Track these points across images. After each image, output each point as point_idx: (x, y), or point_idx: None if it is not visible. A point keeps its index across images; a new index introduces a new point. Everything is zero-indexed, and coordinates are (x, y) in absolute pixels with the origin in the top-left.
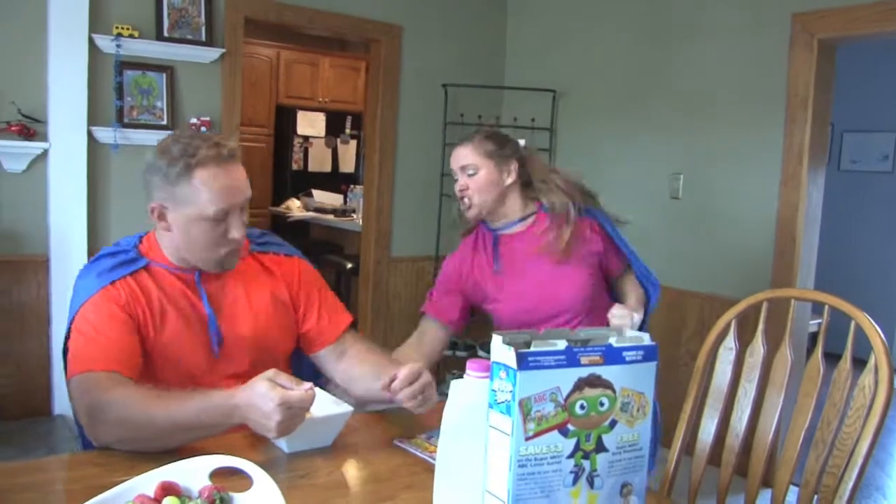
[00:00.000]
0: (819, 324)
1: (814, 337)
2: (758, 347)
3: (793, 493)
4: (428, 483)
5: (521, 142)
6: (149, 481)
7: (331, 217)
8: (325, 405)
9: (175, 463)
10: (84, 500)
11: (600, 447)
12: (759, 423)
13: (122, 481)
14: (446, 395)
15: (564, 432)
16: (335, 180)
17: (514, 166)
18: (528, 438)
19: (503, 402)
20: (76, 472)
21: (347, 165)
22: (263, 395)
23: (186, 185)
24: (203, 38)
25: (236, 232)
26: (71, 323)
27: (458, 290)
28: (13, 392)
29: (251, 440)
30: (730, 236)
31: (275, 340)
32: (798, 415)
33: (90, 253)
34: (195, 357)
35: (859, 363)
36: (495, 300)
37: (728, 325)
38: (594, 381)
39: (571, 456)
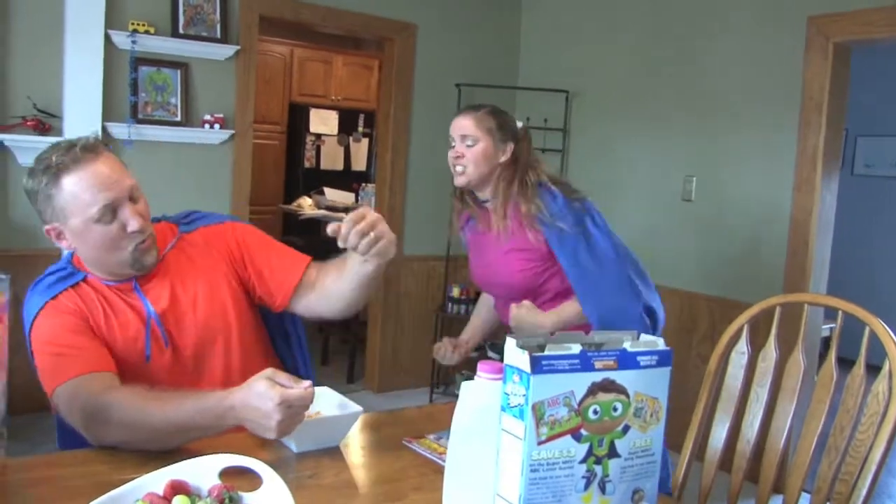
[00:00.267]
0: (831, 328)
1: (825, 341)
2: (770, 352)
3: (804, 500)
4: (437, 484)
5: (520, 124)
6: (158, 480)
7: (342, 215)
8: (335, 405)
9: (184, 461)
10: (93, 496)
11: (613, 452)
12: (771, 429)
13: (131, 479)
14: (455, 395)
15: (577, 437)
16: (347, 178)
17: (510, 146)
18: (540, 443)
19: (516, 406)
20: (86, 468)
21: (359, 164)
22: (262, 394)
23: (60, 196)
24: (218, 35)
25: (134, 223)
26: (30, 345)
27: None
28: (22, 386)
29: (260, 439)
30: (742, 239)
31: (230, 321)
32: (811, 420)
33: None
34: (140, 358)
35: (873, 369)
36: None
37: (740, 329)
38: (608, 386)
39: (584, 461)
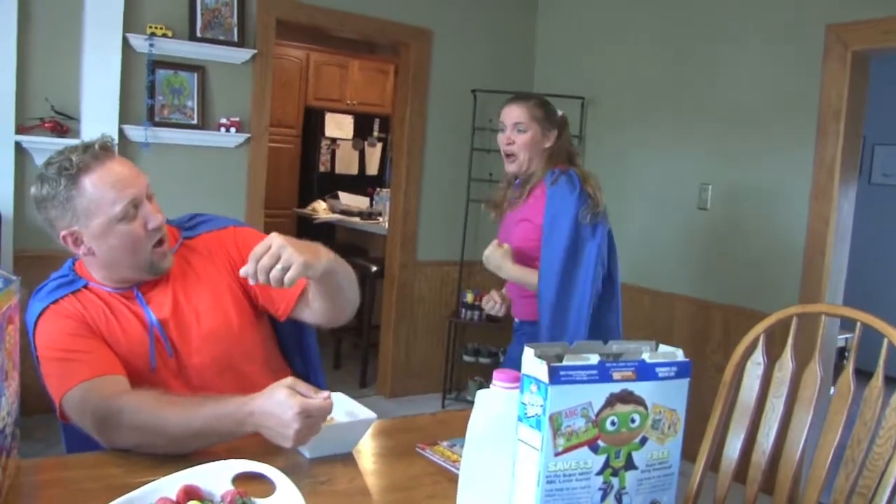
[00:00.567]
0: (846, 338)
1: (840, 351)
2: (786, 362)
3: None
4: (451, 492)
5: (560, 113)
6: (171, 484)
7: (357, 220)
8: (349, 411)
9: (198, 466)
10: (106, 500)
11: (630, 464)
12: (787, 440)
13: (144, 483)
14: (467, 401)
15: (594, 448)
16: (362, 183)
17: (554, 134)
18: (557, 454)
19: (533, 416)
20: (98, 470)
21: (373, 168)
22: (282, 402)
23: (81, 197)
24: (235, 38)
25: (154, 221)
26: (35, 352)
27: None
28: (36, 385)
29: (274, 445)
30: (757, 248)
31: (233, 330)
32: (827, 432)
33: None
34: (145, 366)
35: (891, 381)
36: None
37: (756, 340)
38: (626, 397)
39: (600, 473)
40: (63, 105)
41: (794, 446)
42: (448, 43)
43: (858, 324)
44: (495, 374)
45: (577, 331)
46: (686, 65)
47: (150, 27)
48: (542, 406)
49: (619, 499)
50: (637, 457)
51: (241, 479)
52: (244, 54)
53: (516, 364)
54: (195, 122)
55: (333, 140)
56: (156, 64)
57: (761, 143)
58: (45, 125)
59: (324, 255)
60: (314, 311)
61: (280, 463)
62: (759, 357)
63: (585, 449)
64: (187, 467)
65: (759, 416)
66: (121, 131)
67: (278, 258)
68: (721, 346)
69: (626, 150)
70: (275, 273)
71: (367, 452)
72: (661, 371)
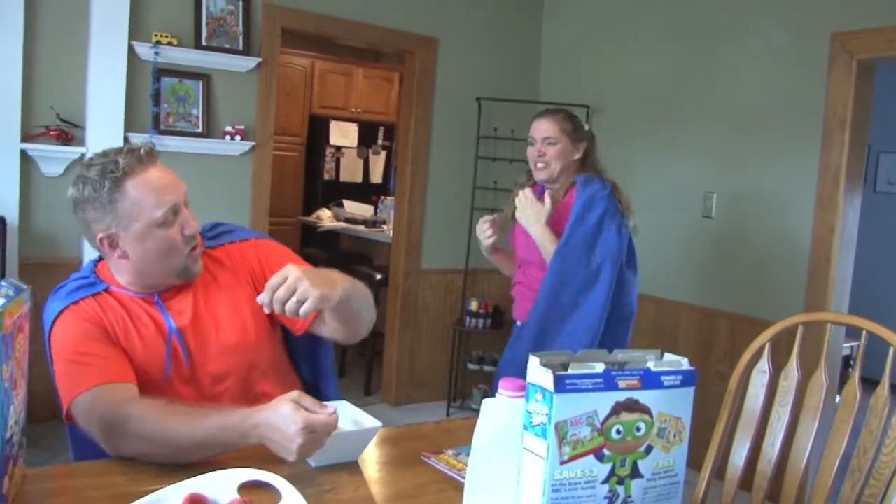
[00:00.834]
0: (852, 347)
1: (846, 360)
2: (792, 371)
3: None
4: (456, 501)
5: (586, 127)
6: (177, 493)
7: (361, 228)
8: (354, 419)
9: (203, 475)
10: None
11: (635, 473)
12: (793, 449)
13: (150, 491)
14: (472, 409)
15: (600, 457)
16: (366, 191)
17: (583, 146)
18: (563, 462)
19: (539, 425)
20: (104, 479)
21: (378, 176)
22: (286, 417)
23: (123, 200)
24: (240, 47)
25: (191, 228)
26: (49, 351)
27: None
28: (43, 393)
29: None
30: (762, 257)
31: (250, 342)
32: (833, 441)
33: None
34: (160, 372)
35: None
36: None
37: (762, 348)
38: (631, 406)
39: (606, 481)
40: (68, 113)
41: (800, 455)
42: (453, 51)
43: (864, 332)
44: (501, 382)
45: (575, 316)
46: (690, 72)
47: (156, 35)
48: (547, 415)
49: None
50: (643, 465)
51: (246, 487)
52: (249, 62)
53: (513, 366)
54: (200, 130)
55: (338, 148)
56: (161, 72)
57: (766, 152)
58: (51, 133)
59: (339, 284)
60: (330, 330)
61: (285, 471)
62: (764, 365)
63: (591, 457)
64: (193, 476)
65: (764, 424)
66: (126, 139)
67: (294, 291)
68: (726, 354)
69: (631, 159)
70: (290, 306)
71: (372, 461)
72: (666, 379)
